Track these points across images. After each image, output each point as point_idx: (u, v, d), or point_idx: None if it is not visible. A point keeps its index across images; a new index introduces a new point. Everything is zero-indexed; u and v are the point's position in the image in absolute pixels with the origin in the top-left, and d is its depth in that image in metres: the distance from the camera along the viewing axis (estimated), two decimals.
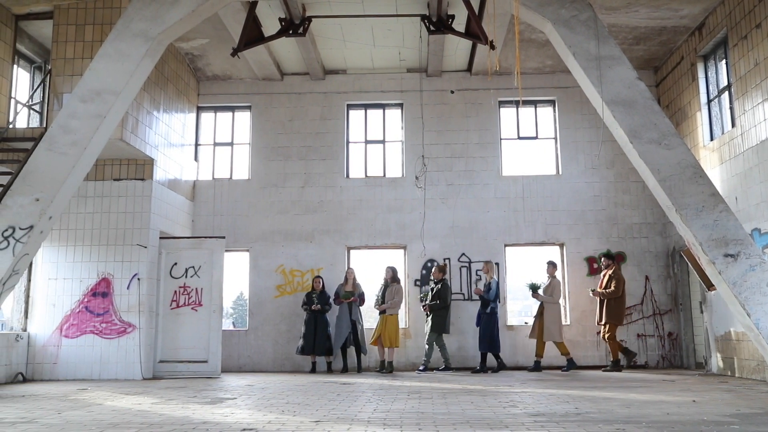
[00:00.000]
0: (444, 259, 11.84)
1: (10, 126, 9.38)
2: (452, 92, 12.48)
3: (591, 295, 11.11)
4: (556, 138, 12.36)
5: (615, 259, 11.43)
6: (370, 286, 11.34)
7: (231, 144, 12.73)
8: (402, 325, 11.56)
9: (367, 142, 12.61)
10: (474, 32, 9.70)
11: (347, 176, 12.37)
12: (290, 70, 12.54)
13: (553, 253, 12.04)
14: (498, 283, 11.01)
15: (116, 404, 6.58)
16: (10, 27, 9.68)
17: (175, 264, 10.72)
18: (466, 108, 12.42)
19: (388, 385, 8.54)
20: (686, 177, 7.04)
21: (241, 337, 11.81)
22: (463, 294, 11.77)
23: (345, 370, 11.05)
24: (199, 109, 12.73)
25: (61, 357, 9.92)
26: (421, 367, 10.81)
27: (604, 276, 11.03)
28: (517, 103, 12.37)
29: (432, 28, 9.85)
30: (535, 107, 12.53)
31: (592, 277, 11.63)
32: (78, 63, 9.34)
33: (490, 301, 10.68)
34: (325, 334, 10.93)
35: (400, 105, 12.59)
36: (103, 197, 10.34)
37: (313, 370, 11.05)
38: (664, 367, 11.38)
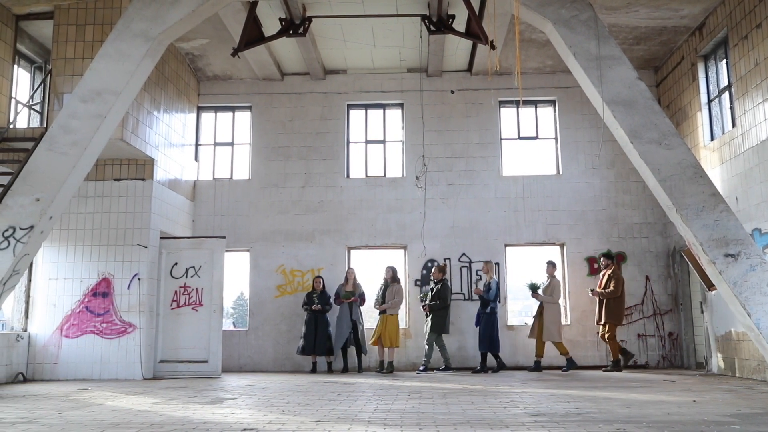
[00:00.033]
0: (444, 259, 11.84)
1: (11, 126, 9.38)
2: (452, 92, 12.48)
3: (590, 294, 11.11)
4: (556, 138, 12.36)
5: (614, 258, 11.43)
6: (371, 286, 11.35)
7: (231, 144, 12.74)
8: (402, 325, 11.56)
9: (367, 142, 12.61)
10: (474, 32, 9.70)
11: (348, 176, 12.37)
12: (290, 70, 12.54)
13: (553, 253, 12.04)
14: (498, 283, 11.01)
15: (117, 404, 6.58)
16: (11, 27, 9.68)
17: (176, 264, 10.73)
18: (466, 108, 12.42)
19: (389, 385, 8.54)
20: (687, 177, 7.04)
21: (242, 337, 11.82)
22: (464, 294, 11.77)
23: (345, 370, 11.06)
24: (200, 109, 12.73)
25: (62, 357, 9.92)
26: (421, 368, 10.81)
27: (603, 276, 11.03)
28: (517, 103, 12.38)
29: (432, 28, 9.85)
30: (536, 107, 12.53)
31: (592, 277, 11.63)
32: (78, 63, 9.35)
33: (489, 301, 10.68)
34: (325, 334, 10.93)
35: (401, 105, 12.59)
36: (103, 197, 10.34)
37: (314, 370, 11.05)
38: (664, 367, 11.38)
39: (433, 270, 11.34)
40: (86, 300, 10.09)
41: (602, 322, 10.78)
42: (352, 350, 11.17)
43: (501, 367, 10.83)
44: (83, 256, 10.20)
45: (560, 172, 12.18)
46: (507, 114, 12.59)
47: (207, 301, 10.62)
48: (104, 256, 10.18)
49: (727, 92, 10.08)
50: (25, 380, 9.67)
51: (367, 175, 12.43)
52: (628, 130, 7.28)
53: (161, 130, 10.82)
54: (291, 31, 9.89)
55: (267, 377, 10.12)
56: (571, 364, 10.79)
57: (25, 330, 10.06)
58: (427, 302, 11.00)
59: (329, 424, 5.12)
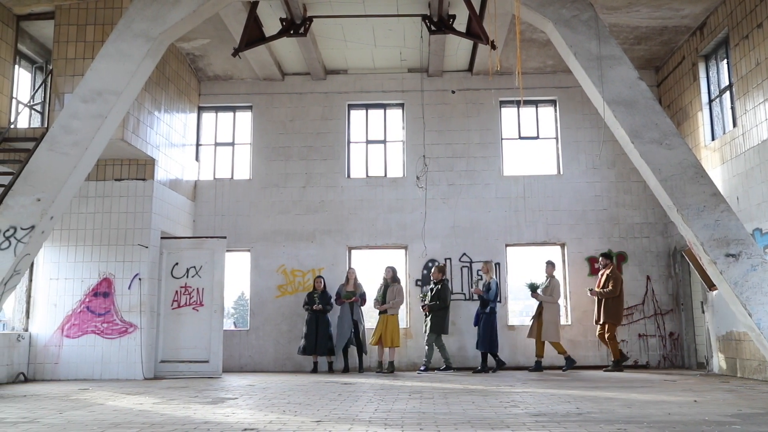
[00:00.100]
0: (445, 259, 11.84)
1: (12, 126, 9.39)
2: (453, 92, 12.48)
3: (589, 294, 11.11)
4: (557, 138, 12.36)
5: (613, 258, 11.42)
6: (371, 286, 11.34)
7: (232, 144, 12.74)
8: (403, 325, 11.56)
9: (368, 142, 12.61)
10: (475, 32, 9.70)
11: (348, 176, 12.37)
12: (291, 70, 12.54)
13: (554, 253, 12.03)
14: (498, 283, 11.01)
15: (118, 404, 6.58)
16: (12, 27, 9.69)
17: (177, 264, 10.73)
18: (467, 108, 12.42)
19: (390, 385, 8.54)
20: (687, 177, 7.04)
21: (243, 337, 11.82)
22: (464, 294, 11.77)
23: (346, 370, 11.06)
24: (201, 109, 12.73)
25: (63, 357, 9.93)
26: (422, 368, 10.81)
27: (602, 275, 11.03)
28: (518, 103, 12.37)
29: (433, 28, 9.85)
30: (536, 107, 12.53)
31: (593, 277, 11.62)
32: (79, 63, 9.35)
33: (489, 301, 10.68)
34: (326, 334, 10.93)
35: (401, 105, 12.59)
36: (104, 197, 10.34)
37: (315, 370, 11.05)
38: (665, 367, 11.37)
39: (432, 270, 11.33)
40: (87, 300, 10.10)
41: (601, 322, 10.78)
42: (352, 350, 11.17)
43: (500, 365, 10.83)
44: (84, 256, 10.21)
45: (561, 172, 12.18)
46: (508, 114, 12.58)
47: (208, 301, 10.63)
48: (105, 256, 10.18)
49: (727, 92, 10.07)
50: (26, 380, 9.68)
51: (367, 175, 12.43)
52: (628, 130, 7.28)
53: (162, 130, 10.83)
54: (292, 31, 9.89)
55: (268, 377, 10.13)
56: (569, 363, 10.80)
57: (26, 330, 10.07)
58: (426, 302, 10.99)
59: (330, 424, 5.12)
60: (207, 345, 10.47)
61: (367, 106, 12.70)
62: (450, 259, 11.87)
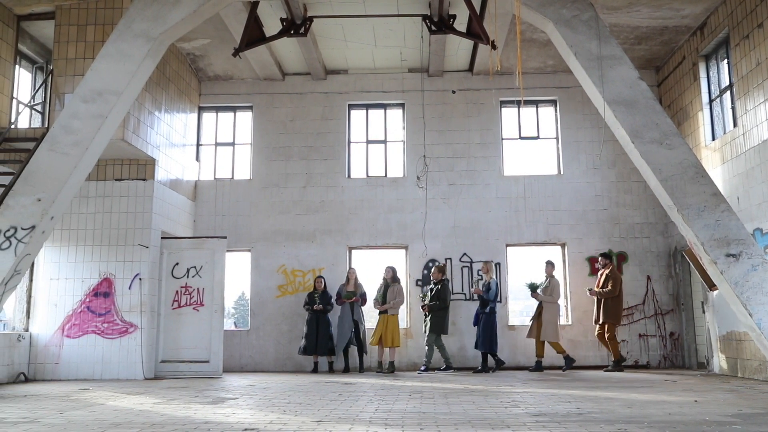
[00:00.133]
0: (445, 259, 11.84)
1: (12, 126, 9.39)
2: (454, 92, 12.48)
3: (588, 294, 11.10)
4: (557, 138, 12.36)
5: (612, 258, 11.41)
6: (372, 286, 11.34)
7: (232, 144, 12.74)
8: (403, 325, 11.56)
9: (368, 142, 12.61)
10: (475, 32, 9.70)
11: (349, 176, 12.37)
12: (292, 70, 12.54)
13: (554, 253, 12.03)
14: (497, 283, 11.01)
15: (118, 404, 6.59)
16: (12, 27, 9.69)
17: (177, 264, 10.73)
18: (467, 108, 12.42)
19: (390, 385, 8.54)
20: (688, 177, 7.03)
21: (243, 337, 11.82)
22: (465, 294, 11.77)
23: (347, 370, 11.06)
24: (201, 109, 12.74)
25: (63, 357, 9.93)
26: (422, 368, 10.81)
27: (601, 275, 11.03)
28: (518, 103, 12.37)
29: (433, 28, 9.85)
30: (537, 107, 12.53)
31: (593, 277, 11.61)
32: (80, 63, 9.35)
33: (489, 301, 10.68)
34: (327, 334, 10.93)
35: (402, 105, 12.59)
36: (104, 197, 10.35)
37: (315, 370, 11.05)
38: (665, 367, 11.37)
39: (432, 270, 11.32)
40: (87, 300, 10.10)
41: (600, 322, 10.78)
42: (353, 350, 11.17)
43: (499, 364, 10.84)
44: (84, 256, 10.21)
45: (561, 172, 12.18)
46: (508, 114, 12.58)
47: (208, 301, 10.63)
48: (105, 256, 10.19)
49: (728, 92, 10.07)
50: (27, 380, 9.68)
51: (368, 175, 12.43)
52: (629, 130, 7.28)
53: (162, 131, 10.83)
54: (292, 31, 9.89)
55: (268, 377, 10.13)
56: (569, 362, 10.80)
57: (27, 330, 10.07)
58: (426, 302, 10.99)
59: (330, 424, 5.12)
60: (207, 345, 10.47)
61: (367, 106, 12.70)
62: (450, 259, 11.87)
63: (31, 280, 10.23)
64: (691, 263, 10.63)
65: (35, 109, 10.48)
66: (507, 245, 11.98)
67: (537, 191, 12.06)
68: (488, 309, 10.66)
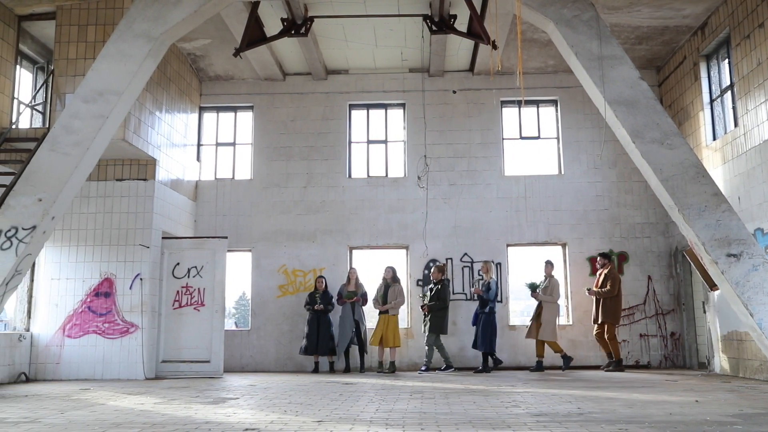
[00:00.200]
0: (446, 259, 11.84)
1: (13, 126, 9.40)
2: (454, 92, 12.48)
3: (587, 294, 11.10)
4: (558, 138, 12.36)
5: (611, 258, 11.40)
6: (372, 286, 11.34)
7: (233, 144, 12.75)
8: (403, 325, 11.56)
9: (369, 142, 12.62)
10: (476, 32, 9.70)
11: (349, 176, 12.37)
12: (292, 70, 12.54)
13: (555, 253, 12.03)
14: (497, 283, 11.01)
15: (119, 404, 6.59)
16: (13, 27, 9.70)
17: (178, 264, 10.73)
18: (468, 108, 12.42)
19: (391, 385, 8.54)
20: (689, 177, 7.03)
21: (244, 337, 11.82)
22: (466, 294, 11.77)
23: (347, 370, 11.06)
24: (202, 110, 12.74)
25: (64, 357, 9.93)
26: (422, 368, 10.81)
27: (600, 275, 11.03)
28: (519, 103, 12.37)
29: (434, 27, 9.85)
30: (538, 107, 12.53)
31: (594, 277, 11.61)
32: (80, 63, 9.36)
33: (489, 301, 10.67)
34: (328, 334, 10.93)
35: (403, 105, 12.59)
36: (105, 197, 10.35)
37: (316, 370, 11.05)
38: (666, 368, 11.37)
39: (432, 270, 11.31)
40: (88, 300, 10.11)
41: (599, 322, 10.77)
42: (354, 350, 11.17)
43: (497, 364, 10.84)
44: (85, 256, 10.21)
45: (562, 172, 12.17)
46: (509, 114, 12.58)
47: (209, 301, 10.63)
48: (106, 256, 10.19)
49: (729, 92, 10.06)
50: (28, 380, 9.69)
51: (368, 175, 12.43)
52: (630, 130, 7.27)
53: (163, 131, 10.83)
54: (293, 31, 9.90)
55: (269, 377, 10.13)
56: (567, 361, 10.80)
57: (28, 330, 10.08)
58: (426, 302, 10.99)
59: (331, 424, 5.13)
60: (208, 345, 10.48)
61: (368, 106, 12.70)
62: (451, 259, 11.87)
63: (32, 280, 10.24)
64: (692, 263, 10.62)
65: (36, 110, 10.49)
66: (508, 245, 11.98)
67: (538, 191, 12.05)
68: (488, 309, 10.65)
